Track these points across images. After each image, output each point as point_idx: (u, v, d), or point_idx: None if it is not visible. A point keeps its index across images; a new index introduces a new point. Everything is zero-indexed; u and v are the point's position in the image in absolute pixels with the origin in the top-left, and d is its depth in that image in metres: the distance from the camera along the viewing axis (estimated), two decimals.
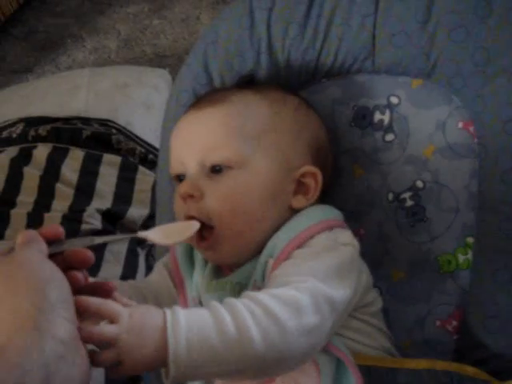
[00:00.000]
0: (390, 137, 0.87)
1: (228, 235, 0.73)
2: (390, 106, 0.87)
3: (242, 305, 0.60)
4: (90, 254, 0.61)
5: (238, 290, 0.73)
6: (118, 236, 1.29)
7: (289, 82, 0.89)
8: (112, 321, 0.56)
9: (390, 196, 0.87)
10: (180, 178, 0.78)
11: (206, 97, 0.82)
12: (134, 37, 2.12)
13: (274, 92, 0.81)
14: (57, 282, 0.54)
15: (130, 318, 0.56)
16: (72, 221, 1.32)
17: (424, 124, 0.85)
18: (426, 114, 0.85)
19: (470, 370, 0.74)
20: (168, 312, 0.58)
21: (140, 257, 1.37)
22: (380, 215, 0.87)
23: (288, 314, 0.60)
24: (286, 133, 0.77)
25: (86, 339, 0.54)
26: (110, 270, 1.27)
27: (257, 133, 0.75)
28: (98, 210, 1.38)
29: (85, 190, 1.42)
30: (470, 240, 0.83)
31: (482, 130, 0.82)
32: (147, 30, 2.13)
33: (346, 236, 0.75)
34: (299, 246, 0.71)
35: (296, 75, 0.89)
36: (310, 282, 0.64)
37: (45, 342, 0.49)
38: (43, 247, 0.58)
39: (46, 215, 1.36)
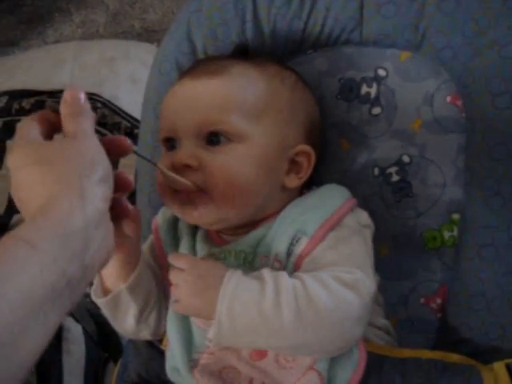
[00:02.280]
0: (376, 110, 0.85)
1: (219, 205, 0.71)
2: (377, 78, 0.85)
3: (292, 286, 0.63)
4: (129, 142, 0.65)
5: (243, 259, 0.72)
6: None
7: (274, 52, 0.86)
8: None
9: (376, 171, 0.85)
10: (171, 143, 0.75)
11: (202, 66, 0.78)
12: (122, 11, 2.08)
13: (271, 66, 0.78)
14: (105, 164, 0.59)
15: (193, 269, 0.66)
16: None
17: (411, 97, 0.83)
18: (413, 87, 0.83)
19: (455, 357, 0.73)
20: (225, 279, 0.64)
21: None
22: (366, 190, 0.86)
23: (333, 305, 0.62)
24: (284, 110, 0.75)
25: None
26: None
27: (257, 109, 0.73)
28: None
29: None
30: (456, 216, 0.82)
31: (470, 104, 0.80)
32: (136, 5, 2.09)
33: (365, 217, 0.75)
34: (332, 228, 0.70)
35: (282, 46, 0.87)
36: (358, 276, 0.65)
37: (87, 205, 0.54)
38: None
39: None
